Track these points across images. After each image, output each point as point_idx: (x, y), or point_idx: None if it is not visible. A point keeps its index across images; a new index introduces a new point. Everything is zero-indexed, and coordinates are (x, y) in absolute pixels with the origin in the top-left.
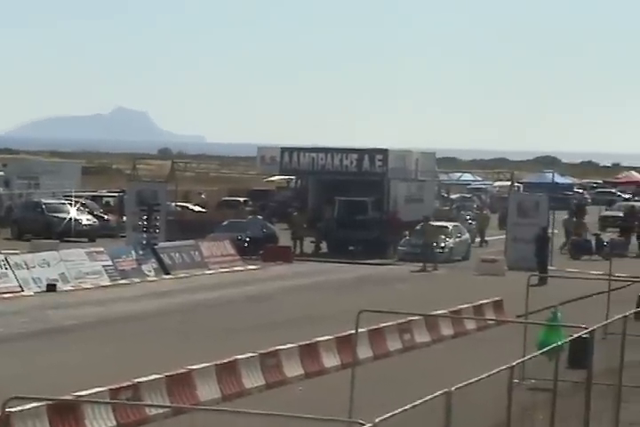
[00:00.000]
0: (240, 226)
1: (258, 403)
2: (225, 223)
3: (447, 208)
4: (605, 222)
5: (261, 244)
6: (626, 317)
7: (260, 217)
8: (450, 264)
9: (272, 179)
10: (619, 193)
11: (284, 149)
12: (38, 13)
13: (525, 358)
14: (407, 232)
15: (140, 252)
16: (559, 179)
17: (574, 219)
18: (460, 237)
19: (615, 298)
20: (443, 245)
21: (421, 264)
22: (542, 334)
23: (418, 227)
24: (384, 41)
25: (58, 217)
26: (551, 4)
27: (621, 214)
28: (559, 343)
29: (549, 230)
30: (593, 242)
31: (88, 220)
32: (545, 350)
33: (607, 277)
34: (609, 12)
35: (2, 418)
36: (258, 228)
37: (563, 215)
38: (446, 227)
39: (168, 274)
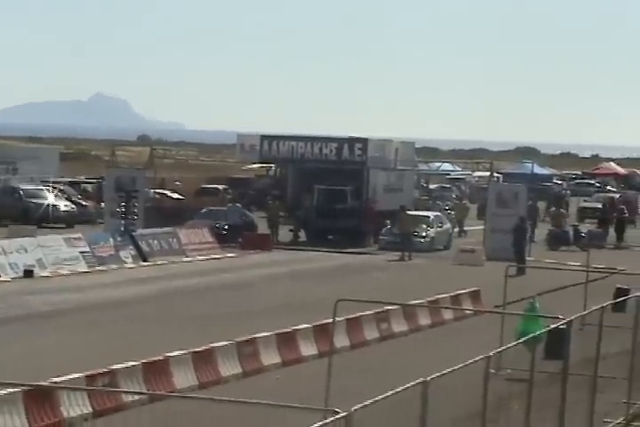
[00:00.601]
0: (219, 214)
1: (234, 391)
2: (203, 211)
3: (426, 198)
4: (584, 213)
5: (240, 232)
6: (603, 308)
7: (238, 205)
8: (430, 254)
9: (251, 167)
10: (597, 184)
11: (263, 137)
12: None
13: (502, 348)
14: (388, 221)
15: (118, 238)
16: (538, 169)
17: (552, 209)
18: (441, 226)
19: (593, 289)
20: (424, 234)
21: (400, 253)
22: (521, 324)
23: (401, 216)
24: (365, 31)
25: (36, 203)
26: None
27: (600, 206)
28: (537, 333)
29: (528, 221)
30: (571, 233)
31: (66, 206)
32: (523, 339)
33: (585, 269)
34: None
35: None
36: (237, 216)
37: (542, 205)
38: (427, 216)
39: (146, 261)
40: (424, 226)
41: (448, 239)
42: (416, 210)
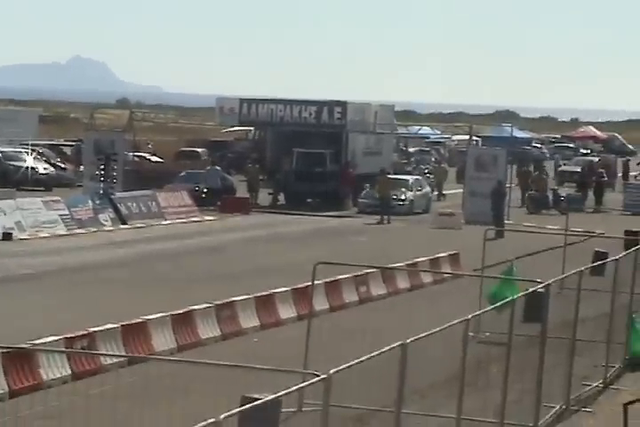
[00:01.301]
0: (198, 177)
1: (213, 354)
2: (182, 174)
3: (405, 161)
4: (563, 177)
5: (219, 195)
6: (581, 271)
7: (218, 168)
8: (409, 217)
9: (230, 130)
10: (576, 148)
11: (242, 101)
12: None
13: (481, 311)
14: (367, 185)
15: (97, 201)
16: (518, 133)
17: (534, 173)
18: (420, 190)
19: (571, 253)
20: (403, 197)
21: (379, 217)
22: (495, 287)
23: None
24: None
25: (14, 165)
26: None
27: (579, 169)
28: (509, 298)
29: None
30: (550, 197)
31: (45, 169)
32: (500, 304)
33: (564, 232)
34: None
35: None
36: (216, 179)
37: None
38: (406, 180)
39: (125, 224)
40: (403, 189)
41: (427, 203)
42: (395, 174)
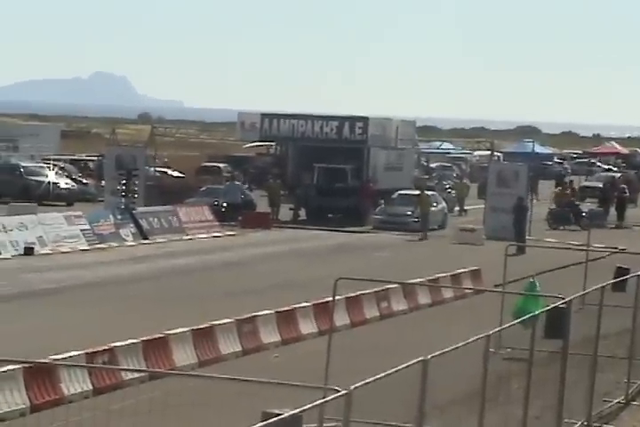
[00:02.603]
0: (218, 192)
1: (234, 369)
2: (203, 189)
3: (426, 177)
4: (584, 193)
5: (239, 210)
6: (603, 287)
7: (237, 183)
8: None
9: (251, 145)
10: (598, 164)
11: (264, 116)
12: None
13: (502, 327)
14: (382, 201)
15: (119, 216)
16: (539, 149)
17: (557, 189)
18: (435, 205)
19: (593, 268)
20: (418, 213)
21: (419, 233)
22: (519, 302)
23: (394, 196)
24: (366, 6)
25: (36, 180)
26: None
27: (600, 185)
28: (536, 313)
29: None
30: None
31: (66, 183)
32: (521, 319)
33: (585, 248)
34: None
35: None
36: (236, 194)
37: (543, 184)
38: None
39: (146, 239)
40: (418, 205)
41: (443, 219)
42: (417, 189)
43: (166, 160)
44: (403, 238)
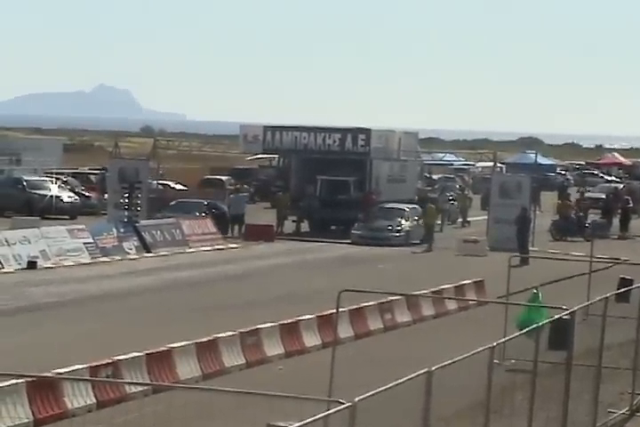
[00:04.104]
0: (189, 206)
1: (238, 381)
2: (173, 203)
3: (429, 188)
4: (587, 204)
5: (242, 222)
6: (607, 298)
7: (244, 194)
8: (412, 247)
9: (254, 157)
10: (601, 175)
11: (266, 128)
12: None
13: (506, 338)
14: (360, 216)
15: (122, 229)
16: (542, 160)
17: (560, 200)
18: (416, 220)
19: (596, 279)
20: (398, 228)
21: (425, 245)
22: (523, 313)
23: (374, 209)
24: (368, 19)
25: (39, 194)
26: None
27: (603, 196)
28: (540, 324)
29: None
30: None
31: (69, 197)
32: (525, 330)
33: (588, 259)
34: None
35: None
36: (241, 206)
37: (546, 196)
38: (403, 209)
39: (149, 252)
40: (398, 219)
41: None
42: (420, 200)
43: (161, 173)
44: (406, 250)
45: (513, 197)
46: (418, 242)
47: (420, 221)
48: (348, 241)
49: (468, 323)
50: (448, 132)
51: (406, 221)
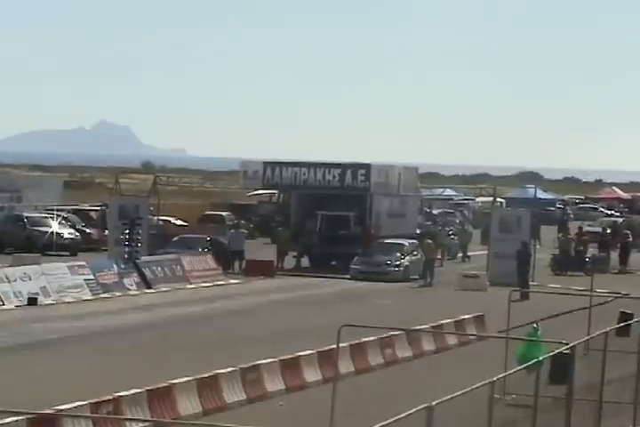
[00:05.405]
0: (192, 241)
1: (239, 418)
2: (176, 239)
3: (430, 223)
4: (586, 238)
5: (242, 258)
6: (607, 333)
7: (244, 231)
8: (412, 283)
9: (254, 193)
10: (601, 209)
11: (266, 164)
12: (17, 26)
13: (506, 373)
14: (359, 251)
15: (122, 266)
16: (541, 194)
17: (560, 235)
18: (416, 255)
19: (596, 314)
20: (397, 263)
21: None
22: (522, 348)
23: (372, 244)
24: (365, 54)
25: (40, 231)
26: (536, 19)
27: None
28: (540, 358)
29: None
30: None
31: (70, 233)
32: (525, 365)
33: (589, 293)
34: (593, 23)
35: None
36: (240, 242)
37: (546, 230)
38: (402, 244)
39: (150, 288)
40: (398, 254)
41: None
42: (420, 236)
43: (151, 208)
44: (406, 285)
45: (513, 232)
46: (417, 277)
47: (421, 256)
48: (348, 276)
49: (468, 358)
50: (447, 167)
51: (405, 256)
